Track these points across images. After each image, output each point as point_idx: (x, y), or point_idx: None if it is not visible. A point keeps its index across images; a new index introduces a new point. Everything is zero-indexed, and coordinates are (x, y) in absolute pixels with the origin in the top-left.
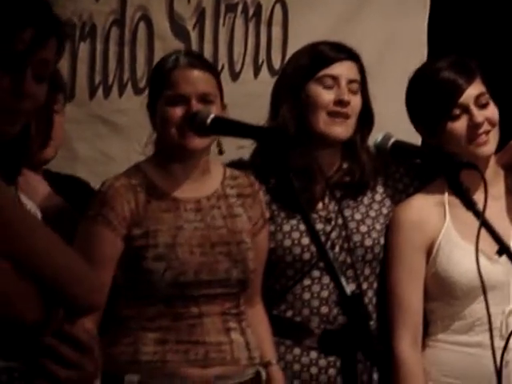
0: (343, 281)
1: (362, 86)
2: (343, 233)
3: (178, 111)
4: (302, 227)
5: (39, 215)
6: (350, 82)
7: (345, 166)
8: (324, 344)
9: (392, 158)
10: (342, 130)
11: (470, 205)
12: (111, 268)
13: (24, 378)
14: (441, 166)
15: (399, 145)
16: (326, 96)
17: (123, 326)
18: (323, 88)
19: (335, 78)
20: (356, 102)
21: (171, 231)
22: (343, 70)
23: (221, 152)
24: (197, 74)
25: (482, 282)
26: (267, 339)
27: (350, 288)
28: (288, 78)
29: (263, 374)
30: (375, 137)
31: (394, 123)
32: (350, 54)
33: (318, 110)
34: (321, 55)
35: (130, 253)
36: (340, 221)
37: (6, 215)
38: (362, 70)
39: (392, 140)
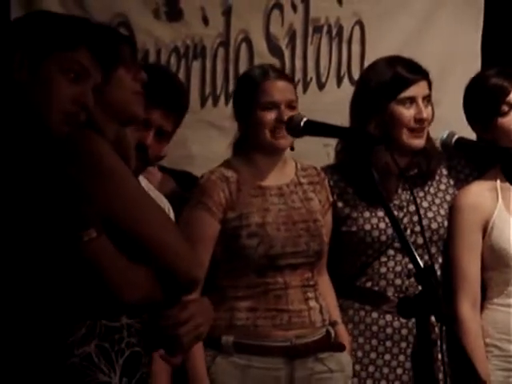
0: (417, 256)
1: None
2: (413, 218)
3: (271, 115)
4: (380, 214)
5: (166, 202)
6: (424, 98)
7: (414, 160)
8: (401, 309)
9: (455, 152)
10: (420, 141)
11: None
12: (211, 246)
13: (139, 333)
14: (497, 157)
15: (461, 141)
16: (407, 114)
17: (221, 295)
18: (403, 107)
19: (413, 98)
20: (429, 112)
21: (260, 213)
22: (419, 90)
23: (292, 149)
24: (284, 84)
25: None
26: (333, 302)
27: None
28: (371, 96)
29: (332, 331)
30: (441, 134)
31: (455, 124)
32: (423, 74)
33: (400, 126)
34: (400, 77)
35: (226, 232)
36: (411, 208)
37: (125, 186)
38: (430, 84)
39: (455, 137)
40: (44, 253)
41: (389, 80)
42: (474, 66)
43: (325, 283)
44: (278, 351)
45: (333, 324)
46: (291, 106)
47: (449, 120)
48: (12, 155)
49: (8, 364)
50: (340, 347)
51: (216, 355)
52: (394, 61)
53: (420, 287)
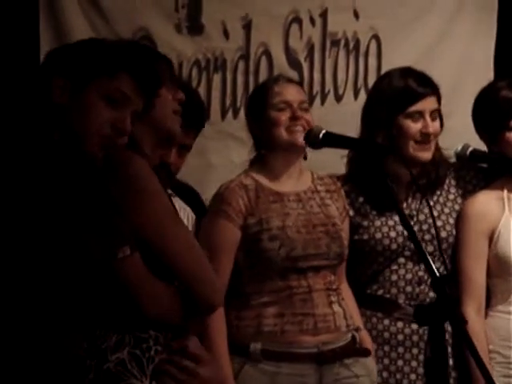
0: (433, 264)
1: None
2: (423, 227)
3: (285, 114)
4: (391, 223)
5: (192, 215)
6: (432, 112)
7: (423, 170)
8: (418, 316)
9: (469, 164)
10: (427, 154)
11: None
12: (232, 253)
13: (165, 345)
14: (507, 168)
15: (475, 153)
16: (414, 128)
17: (246, 302)
18: (411, 121)
19: (421, 112)
20: (436, 126)
21: (280, 217)
22: (427, 105)
23: (305, 158)
24: (294, 86)
25: None
26: (355, 309)
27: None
28: (381, 108)
29: (357, 337)
30: (456, 147)
31: (467, 135)
32: (433, 88)
33: (407, 139)
34: (410, 91)
35: (247, 238)
36: (421, 217)
37: (159, 207)
38: (439, 99)
39: (470, 149)
40: (81, 267)
41: (399, 93)
42: (487, 78)
43: (346, 289)
44: (305, 357)
45: (356, 329)
46: (303, 106)
47: (461, 131)
48: (52, 175)
49: (50, 368)
50: (365, 352)
51: (244, 362)
52: (406, 73)
53: (435, 294)
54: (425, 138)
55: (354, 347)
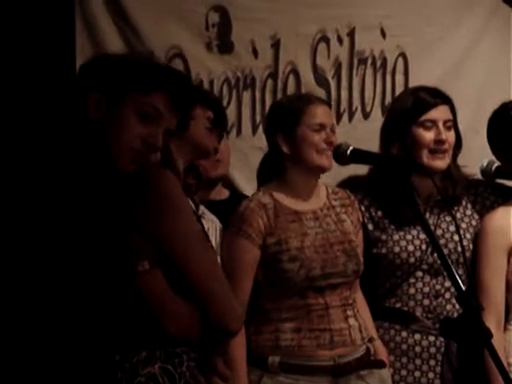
0: (459, 278)
1: (454, 121)
2: (441, 241)
3: (319, 136)
4: (409, 237)
5: (219, 226)
6: (445, 122)
7: (441, 186)
8: (443, 329)
9: (495, 179)
10: (442, 163)
11: None
12: (252, 272)
13: (196, 360)
14: None
15: (500, 169)
16: (427, 136)
17: (265, 317)
18: (424, 130)
19: (434, 121)
20: (451, 136)
21: (299, 237)
22: (439, 113)
23: None
24: (327, 108)
25: None
26: (369, 319)
27: (448, 283)
28: (395, 119)
29: (371, 348)
30: (481, 163)
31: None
32: (444, 99)
33: (421, 148)
34: (421, 102)
35: (267, 257)
36: (438, 232)
37: (185, 227)
38: (453, 110)
39: (495, 165)
40: (102, 279)
41: (411, 104)
42: (507, 95)
43: (360, 299)
44: (322, 370)
45: (370, 340)
46: (333, 129)
47: (486, 147)
48: (82, 187)
49: (82, 381)
50: (380, 364)
51: (262, 375)
52: (417, 89)
53: (451, 308)
54: (438, 146)
55: (369, 359)
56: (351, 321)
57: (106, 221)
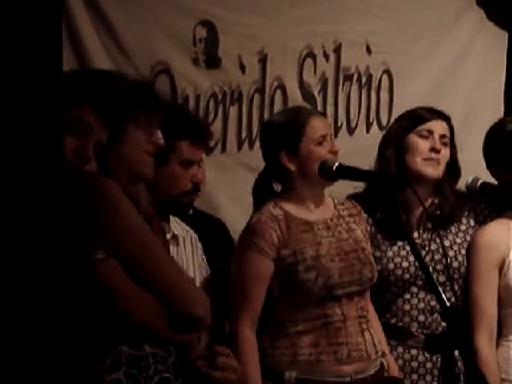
0: (443, 294)
1: (451, 142)
2: (435, 257)
3: (324, 148)
4: (403, 253)
5: (194, 235)
6: (442, 136)
7: (436, 201)
8: (428, 345)
9: (479, 196)
10: (434, 170)
11: None
12: (265, 285)
13: (166, 361)
14: None
15: (485, 185)
16: (422, 144)
17: (281, 331)
18: (420, 138)
19: (430, 132)
20: (445, 152)
21: (313, 247)
22: (437, 126)
23: None
24: (323, 118)
25: None
26: (380, 332)
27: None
28: (393, 132)
29: (385, 363)
30: (466, 179)
31: (478, 168)
32: (442, 115)
33: (415, 154)
34: (420, 115)
35: (282, 269)
36: (433, 247)
37: (125, 222)
38: (451, 129)
39: (480, 182)
40: (61, 276)
41: (409, 116)
42: (497, 111)
43: (371, 310)
44: None
45: (382, 354)
46: (332, 138)
47: (472, 164)
48: (39, 188)
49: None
50: (395, 381)
51: None
52: (417, 107)
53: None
54: (432, 154)
55: (382, 374)
56: (366, 335)
57: (65, 218)
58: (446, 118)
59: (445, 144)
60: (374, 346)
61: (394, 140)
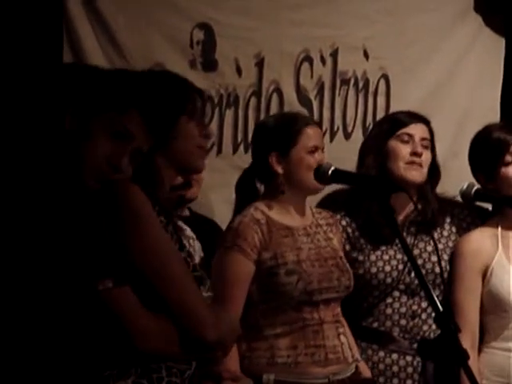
0: (436, 299)
1: (432, 145)
2: (418, 261)
3: (314, 158)
4: (385, 257)
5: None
6: (423, 139)
7: (419, 207)
8: (421, 350)
9: (475, 202)
10: (417, 174)
11: None
12: (246, 287)
13: (182, 374)
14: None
15: (480, 192)
16: (403, 149)
17: (259, 334)
18: (401, 143)
19: (411, 136)
20: (427, 155)
21: (294, 251)
22: (417, 130)
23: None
24: (319, 129)
25: None
26: (352, 338)
27: (425, 304)
28: (373, 138)
29: (359, 367)
30: (461, 185)
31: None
32: (422, 119)
33: (397, 160)
34: (399, 119)
35: (262, 273)
36: (416, 251)
37: (152, 238)
38: (431, 132)
39: (475, 188)
40: (68, 300)
41: (388, 121)
42: (493, 119)
43: (342, 318)
44: None
45: (356, 360)
46: (323, 149)
47: (467, 170)
48: (50, 203)
49: None
50: (371, 382)
51: None
52: (396, 112)
53: (428, 328)
54: (414, 158)
55: (359, 377)
56: (342, 338)
57: (71, 237)
58: (426, 121)
59: (426, 147)
60: (350, 349)
61: (374, 146)
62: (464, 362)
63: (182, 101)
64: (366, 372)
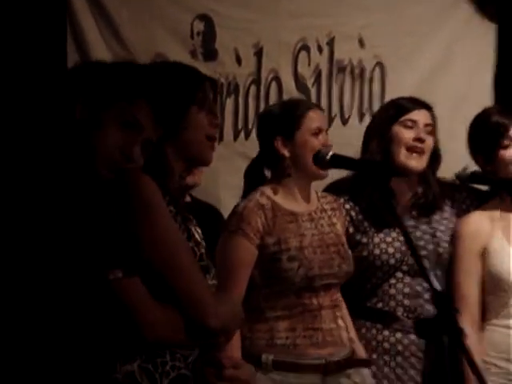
0: (433, 279)
1: (434, 130)
2: (420, 243)
3: (318, 140)
4: (388, 239)
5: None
6: (426, 125)
7: (420, 191)
8: (419, 329)
9: (463, 185)
10: (417, 163)
11: None
12: (249, 271)
13: (186, 359)
14: (506, 188)
15: (476, 174)
16: (407, 134)
17: (260, 316)
18: (404, 128)
19: (414, 122)
20: (430, 141)
21: (297, 238)
22: (421, 115)
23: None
24: (322, 113)
25: None
26: (349, 320)
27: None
28: (377, 123)
29: (355, 348)
30: (456, 169)
31: (468, 157)
32: (425, 105)
33: (399, 144)
34: (403, 105)
35: (265, 257)
36: (418, 234)
37: (161, 228)
38: (433, 118)
39: (470, 171)
40: (77, 288)
41: (392, 107)
42: (487, 103)
43: (342, 300)
44: (313, 369)
45: (351, 341)
46: (326, 131)
47: (462, 153)
48: (62, 192)
49: (56, 377)
50: (367, 363)
51: (256, 371)
52: (399, 97)
53: (431, 307)
54: (417, 143)
55: (355, 358)
56: (340, 322)
57: (81, 227)
58: (428, 107)
59: (429, 133)
60: (347, 332)
61: (377, 131)
62: (461, 342)
63: (192, 90)
64: (361, 353)
